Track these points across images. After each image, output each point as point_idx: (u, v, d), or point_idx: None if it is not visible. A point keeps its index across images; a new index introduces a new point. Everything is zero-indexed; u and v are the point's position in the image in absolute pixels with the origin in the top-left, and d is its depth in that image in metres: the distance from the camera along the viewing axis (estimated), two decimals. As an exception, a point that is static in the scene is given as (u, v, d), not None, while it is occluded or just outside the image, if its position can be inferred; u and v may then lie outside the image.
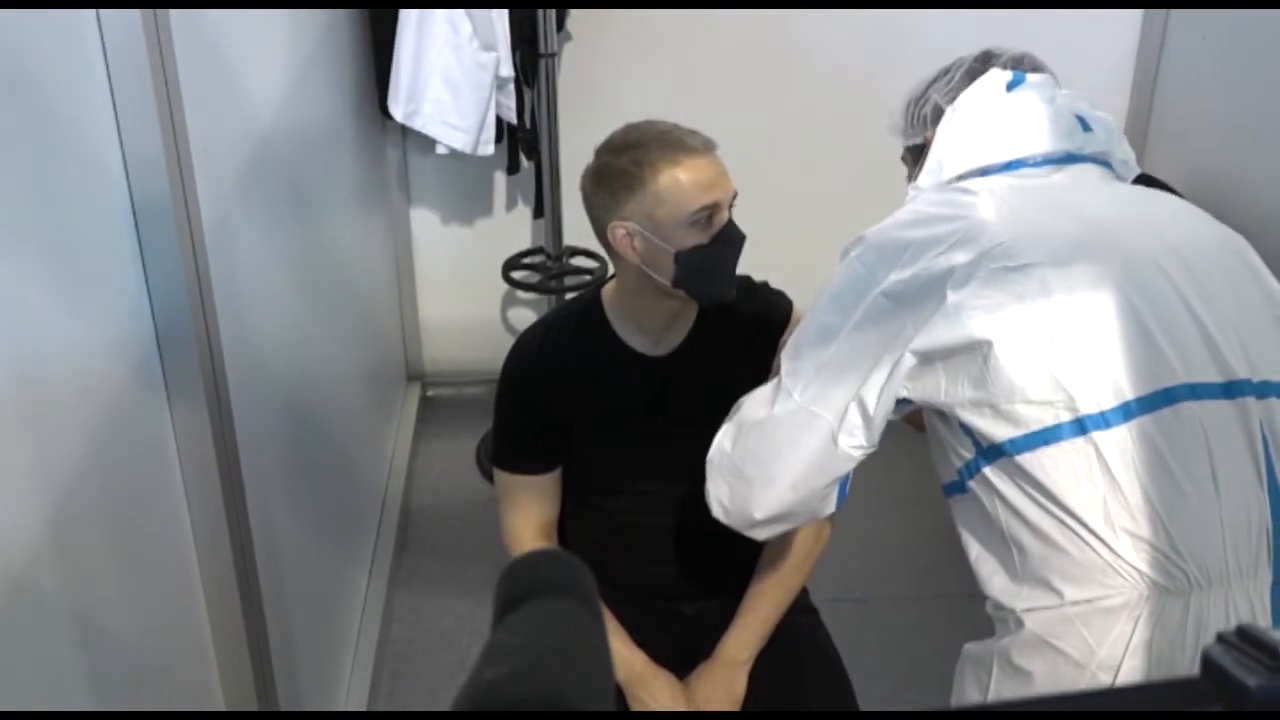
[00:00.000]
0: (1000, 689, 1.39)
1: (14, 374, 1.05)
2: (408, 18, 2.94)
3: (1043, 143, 1.45)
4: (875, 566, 2.96)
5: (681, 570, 1.86)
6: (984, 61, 1.58)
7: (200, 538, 1.48)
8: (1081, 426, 1.26)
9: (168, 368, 1.38)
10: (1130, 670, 1.28)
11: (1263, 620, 1.27)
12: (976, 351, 1.28)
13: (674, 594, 1.88)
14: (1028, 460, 1.29)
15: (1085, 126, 1.47)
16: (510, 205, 3.59)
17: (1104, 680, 1.29)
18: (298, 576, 2.01)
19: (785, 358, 1.42)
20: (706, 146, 1.64)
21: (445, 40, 2.94)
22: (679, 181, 1.61)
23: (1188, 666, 1.26)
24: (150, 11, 1.24)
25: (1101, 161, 1.48)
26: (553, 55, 3.10)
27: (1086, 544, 1.28)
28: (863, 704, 1.86)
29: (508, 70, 3.05)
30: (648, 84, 3.35)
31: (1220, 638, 0.57)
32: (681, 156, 1.61)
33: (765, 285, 1.84)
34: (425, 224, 3.59)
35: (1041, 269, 1.28)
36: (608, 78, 3.37)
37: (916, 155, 1.62)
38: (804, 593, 1.94)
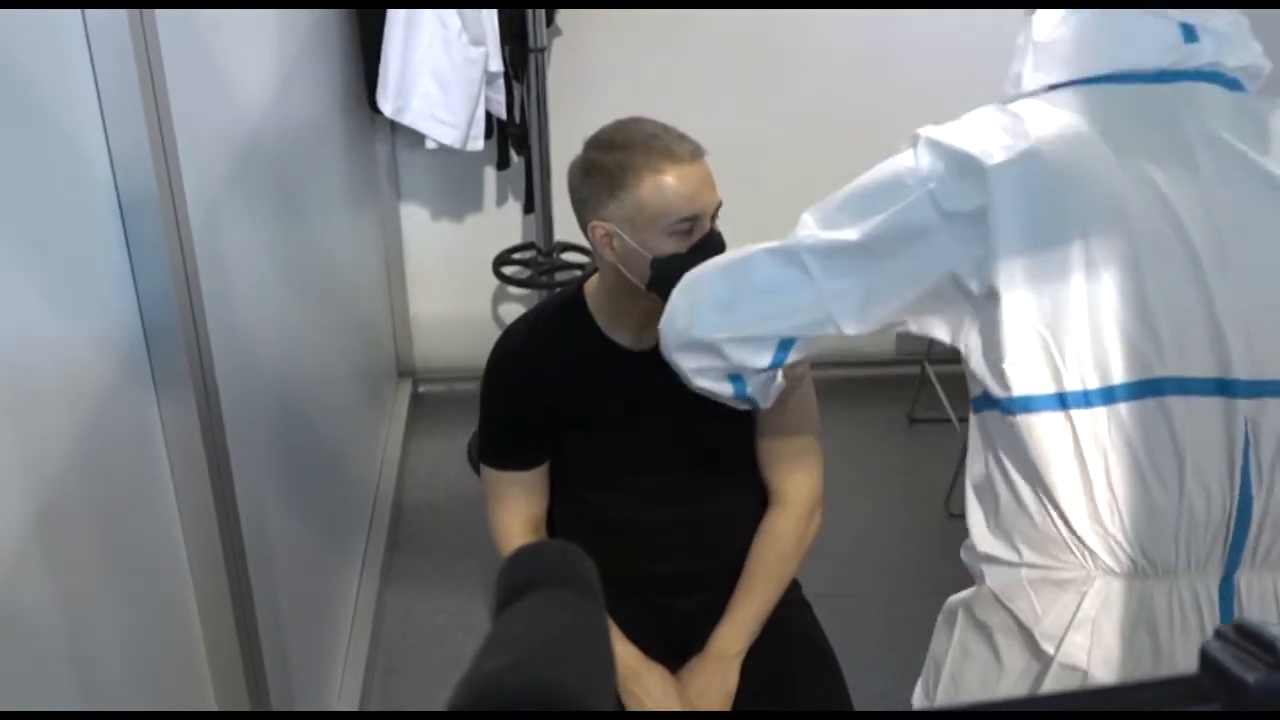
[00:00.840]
0: (964, 639, 1.44)
1: (1, 370, 1.04)
2: (396, 13, 2.93)
3: (1130, 58, 1.32)
4: (868, 561, 2.96)
5: (672, 564, 1.86)
6: None
7: (189, 534, 1.48)
8: (1063, 401, 1.25)
9: (155, 363, 1.37)
10: (1072, 644, 1.31)
11: (1208, 611, 1.29)
12: (995, 301, 1.26)
13: (665, 588, 1.87)
14: (1012, 422, 1.29)
15: (1189, 36, 1.31)
16: (500, 200, 3.59)
17: (1047, 649, 1.33)
18: (289, 573, 2.00)
19: (810, 213, 1.38)
20: (694, 155, 1.63)
21: (434, 35, 2.93)
22: (661, 190, 1.60)
23: (1131, 647, 1.30)
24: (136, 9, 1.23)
25: (1208, 75, 1.32)
26: (542, 50, 3.09)
27: (1049, 515, 1.30)
28: (856, 698, 1.86)
29: (497, 65, 3.04)
30: (637, 78, 3.34)
31: (1218, 633, 0.56)
32: (666, 164, 1.60)
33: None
34: (415, 219, 3.58)
35: (1066, 231, 1.24)
36: (597, 72, 3.37)
37: None
38: (796, 586, 1.94)
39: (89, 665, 1.22)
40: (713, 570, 1.87)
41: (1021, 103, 1.35)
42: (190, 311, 1.39)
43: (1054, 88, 1.36)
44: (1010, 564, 1.35)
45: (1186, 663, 1.28)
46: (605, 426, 1.80)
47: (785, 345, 1.40)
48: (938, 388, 3.41)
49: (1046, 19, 1.37)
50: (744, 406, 1.52)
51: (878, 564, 2.96)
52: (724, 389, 1.47)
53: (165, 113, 1.31)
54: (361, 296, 3.18)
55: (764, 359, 1.41)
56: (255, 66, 2.01)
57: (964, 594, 1.45)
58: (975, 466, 1.42)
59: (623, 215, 1.62)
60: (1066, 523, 1.28)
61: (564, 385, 1.77)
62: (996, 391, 1.30)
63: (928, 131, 1.33)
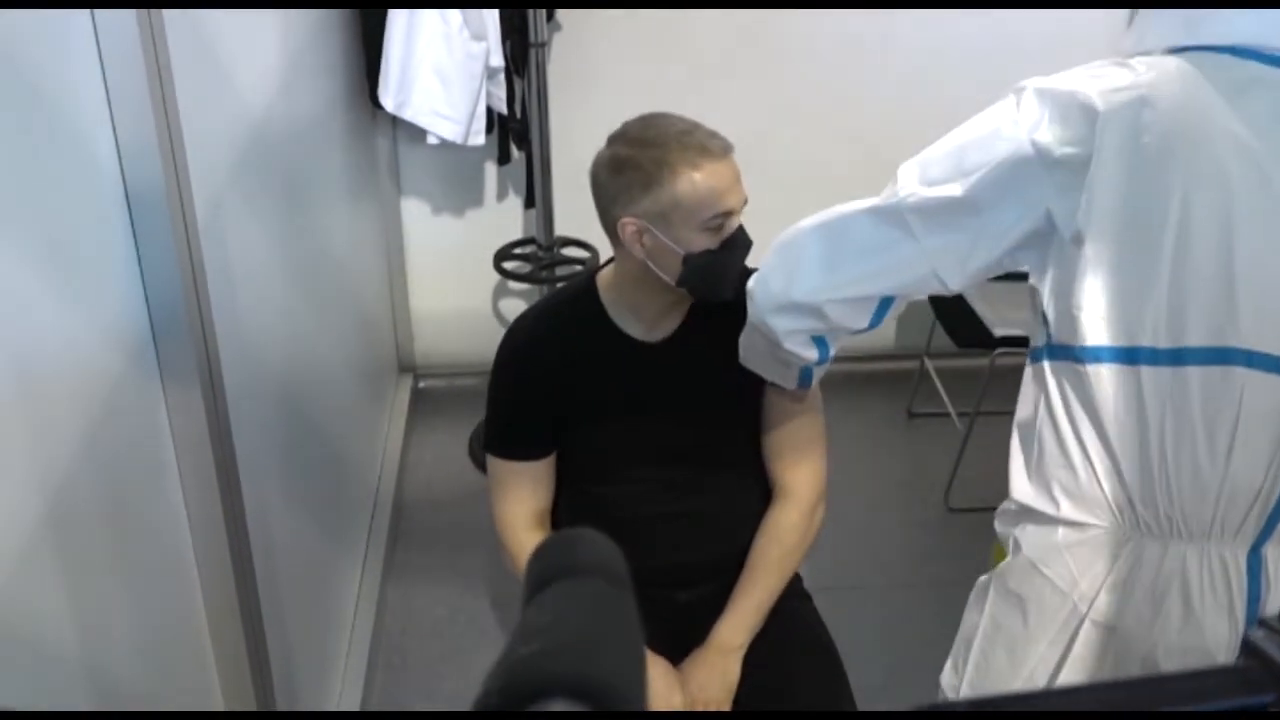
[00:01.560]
0: (995, 611, 1.45)
1: (8, 363, 1.05)
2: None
3: (1261, 34, 1.26)
4: (867, 554, 2.97)
5: (675, 556, 1.86)
6: None
7: (196, 526, 1.48)
8: (1132, 356, 1.27)
9: (162, 357, 1.38)
10: (1104, 604, 1.34)
11: (1236, 579, 1.32)
12: (1080, 247, 1.27)
13: (667, 581, 1.88)
14: (1079, 370, 1.31)
15: None
16: (501, 195, 3.59)
17: (1081, 610, 1.35)
18: (292, 566, 2.01)
19: (905, 168, 1.37)
20: (725, 150, 1.63)
21: (435, 30, 2.93)
22: (696, 186, 1.60)
23: (1162, 608, 1.33)
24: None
25: None
26: (543, 45, 3.10)
27: (1094, 470, 1.32)
28: (857, 691, 1.86)
29: (498, 60, 3.04)
30: (638, 73, 3.35)
31: (1263, 622, 0.56)
32: (702, 161, 1.60)
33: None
34: (416, 214, 3.58)
35: (1166, 190, 1.23)
36: (598, 67, 3.37)
37: None
38: (797, 579, 1.95)
39: (97, 653, 1.22)
40: (715, 563, 1.88)
41: (1139, 58, 1.32)
42: (197, 305, 1.39)
43: (1173, 51, 1.31)
44: (1046, 518, 1.37)
45: (1214, 626, 1.30)
46: (613, 417, 1.81)
47: (885, 305, 1.42)
48: (937, 382, 3.42)
49: None
50: (791, 386, 1.54)
51: (877, 558, 2.97)
52: (809, 353, 1.49)
53: (172, 107, 1.31)
54: (363, 291, 3.19)
55: (864, 319, 1.43)
56: (259, 62, 2.01)
57: (996, 569, 1.47)
58: (1024, 411, 1.43)
59: (656, 211, 1.62)
60: (1118, 473, 1.30)
61: (573, 375, 1.78)
62: (1067, 338, 1.31)
63: (1035, 82, 1.32)
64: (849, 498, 2.99)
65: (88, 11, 1.20)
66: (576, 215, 3.20)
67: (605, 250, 1.76)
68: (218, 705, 1.58)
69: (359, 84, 3.10)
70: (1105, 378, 1.29)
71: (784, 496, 1.87)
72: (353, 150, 3.02)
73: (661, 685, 1.76)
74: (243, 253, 1.76)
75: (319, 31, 2.62)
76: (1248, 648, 0.56)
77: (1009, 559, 1.43)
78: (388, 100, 3.00)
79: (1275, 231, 1.24)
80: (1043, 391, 1.37)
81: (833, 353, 1.52)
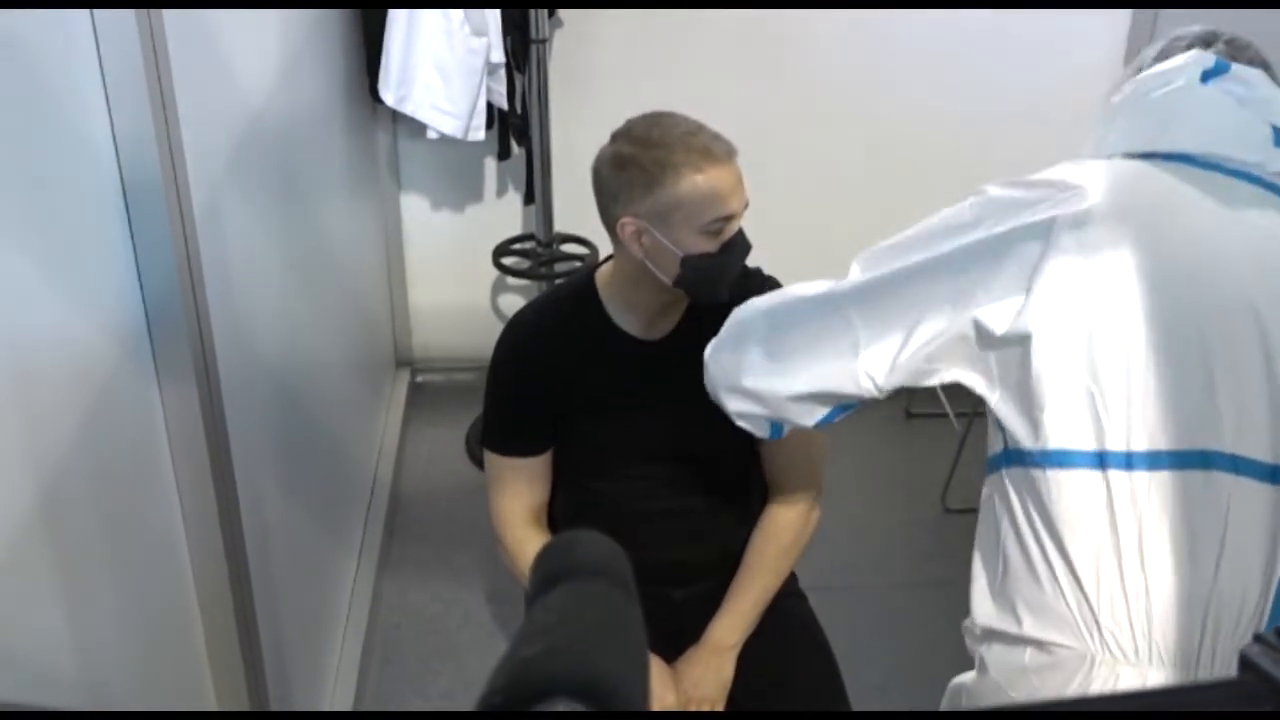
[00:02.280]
0: None
1: (3, 354, 1.05)
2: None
3: (1216, 145, 1.29)
4: (864, 554, 2.97)
5: (670, 554, 1.86)
6: (1207, 42, 1.40)
7: (189, 520, 1.48)
8: (1101, 460, 1.20)
9: (158, 349, 1.37)
10: None
11: None
12: (1026, 347, 1.22)
13: (663, 579, 1.88)
14: (1039, 477, 1.23)
15: (1278, 141, 1.29)
16: (501, 191, 3.59)
17: None
18: (287, 561, 2.01)
19: (858, 260, 1.35)
20: (729, 154, 1.63)
21: (436, 25, 2.93)
22: (698, 189, 1.59)
23: None
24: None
25: None
26: (544, 41, 3.09)
27: (1060, 587, 1.23)
28: (852, 691, 1.86)
29: (499, 55, 3.04)
30: (638, 69, 3.35)
31: (1259, 638, 0.56)
32: (705, 164, 1.60)
33: (758, 272, 1.83)
34: (415, 209, 3.58)
35: (1122, 281, 1.19)
36: (599, 63, 3.37)
37: None
38: (793, 578, 1.95)
39: (89, 648, 1.22)
40: (711, 561, 1.88)
41: (1101, 161, 1.32)
42: (193, 297, 1.39)
43: (1133, 156, 1.32)
44: (1011, 638, 1.28)
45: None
46: (610, 413, 1.80)
47: (835, 411, 1.39)
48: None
49: (1141, 85, 1.34)
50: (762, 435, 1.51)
51: (874, 558, 2.97)
52: (763, 433, 1.47)
53: (170, 99, 1.31)
54: (361, 285, 3.18)
55: (813, 419, 1.40)
56: (258, 55, 2.01)
57: (966, 678, 1.39)
58: (984, 529, 1.35)
59: (656, 212, 1.62)
60: (1084, 598, 1.21)
61: (570, 371, 1.78)
62: (1027, 443, 1.24)
63: (995, 184, 1.31)
64: (846, 497, 2.99)
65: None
66: (576, 211, 3.20)
67: (604, 247, 1.76)
68: (209, 698, 1.58)
69: (359, 78, 3.09)
70: (1070, 484, 1.21)
71: (780, 495, 1.87)
72: (352, 144, 3.02)
73: (656, 683, 1.76)
74: (240, 246, 1.75)
75: (319, 25, 2.62)
76: (1244, 663, 0.55)
77: (978, 675, 1.35)
78: (388, 95, 3.00)
79: (1249, 333, 1.19)
80: (1005, 505, 1.29)
81: (786, 431, 1.46)
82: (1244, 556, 1.18)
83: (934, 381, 1.32)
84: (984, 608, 1.32)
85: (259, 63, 2.01)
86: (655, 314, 1.76)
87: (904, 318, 1.29)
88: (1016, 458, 1.27)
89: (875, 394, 1.34)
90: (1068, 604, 1.22)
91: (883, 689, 2.29)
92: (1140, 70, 1.40)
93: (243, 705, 1.62)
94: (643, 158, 1.61)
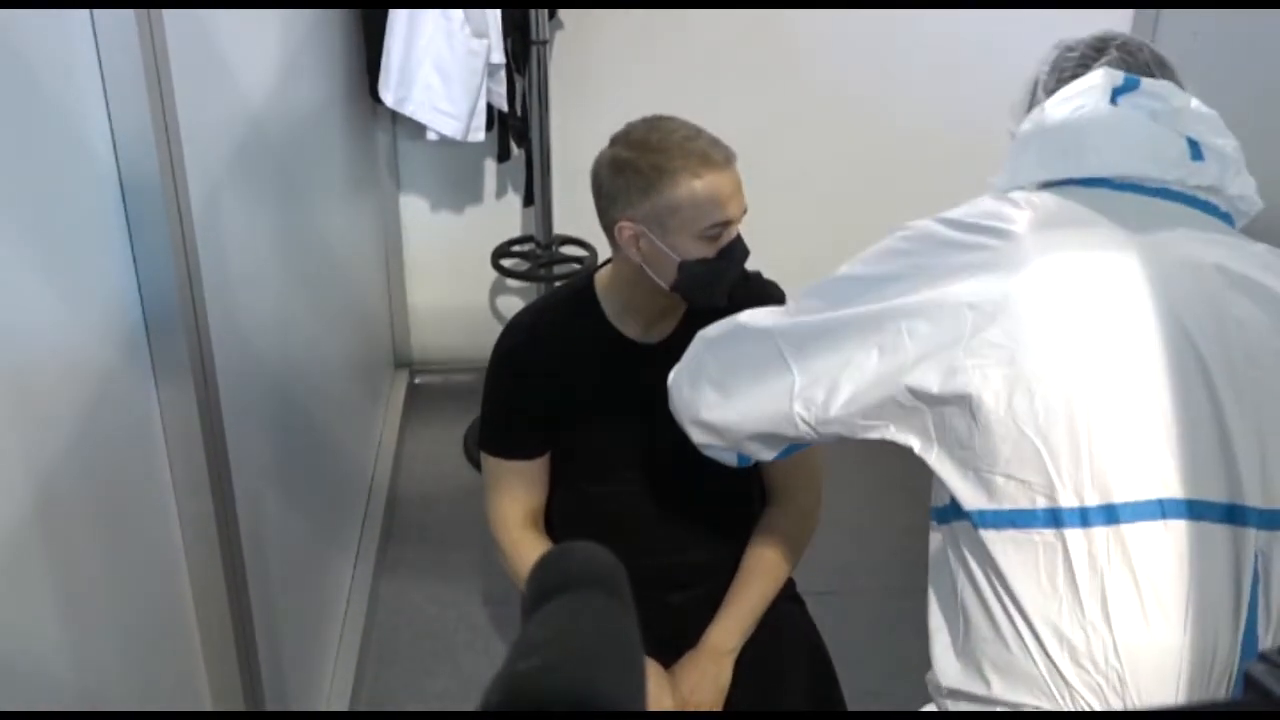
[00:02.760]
0: None
1: (0, 354, 1.04)
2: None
3: (1133, 166, 1.26)
4: (862, 560, 2.97)
5: (668, 558, 1.86)
6: (1098, 49, 1.37)
7: (186, 521, 1.48)
8: (1056, 519, 1.15)
9: (155, 349, 1.37)
10: None
11: None
12: (966, 406, 1.18)
13: (661, 583, 1.87)
14: (991, 538, 1.19)
15: (1195, 154, 1.26)
16: (500, 193, 3.58)
17: None
18: (283, 561, 2.00)
19: (802, 292, 1.33)
20: (727, 160, 1.62)
21: (436, 26, 2.93)
22: (696, 195, 1.59)
23: None
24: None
25: (1203, 203, 1.27)
26: (544, 43, 3.09)
27: (1026, 647, 1.18)
28: (849, 695, 1.86)
29: (499, 57, 3.04)
30: (639, 72, 3.35)
31: (1263, 656, 0.55)
32: (703, 169, 1.59)
33: (757, 275, 1.84)
34: (415, 210, 3.58)
35: (1062, 331, 1.15)
36: (599, 65, 3.37)
37: None
38: (790, 582, 1.94)
39: (84, 649, 1.22)
40: (709, 565, 1.87)
41: (1021, 196, 1.27)
42: (190, 297, 1.39)
43: (1049, 185, 1.29)
44: (981, 699, 1.23)
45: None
46: (608, 416, 1.80)
47: (797, 445, 1.35)
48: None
49: (1051, 111, 1.31)
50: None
51: (872, 563, 2.97)
52: (730, 460, 1.45)
53: (169, 98, 1.31)
54: (360, 286, 3.18)
55: (770, 454, 1.38)
56: (258, 54, 2.01)
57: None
58: (939, 582, 1.31)
59: (653, 217, 1.61)
60: (1049, 658, 1.17)
61: (569, 374, 1.77)
62: (974, 504, 1.20)
63: (923, 223, 1.27)
64: (844, 502, 2.98)
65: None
66: (575, 214, 3.20)
67: (604, 249, 1.76)
68: (205, 698, 1.58)
69: (359, 78, 3.09)
70: (1025, 546, 1.17)
71: (779, 500, 1.87)
72: (352, 145, 3.01)
73: (653, 687, 1.76)
74: (239, 246, 1.75)
75: (320, 25, 2.61)
76: (1248, 682, 0.54)
77: None
78: (388, 95, 3.00)
79: (1191, 371, 1.16)
80: (959, 560, 1.25)
81: (752, 462, 1.44)
82: (1210, 603, 1.14)
83: (871, 436, 1.28)
84: (948, 668, 1.27)
85: (259, 63, 2.00)
86: (654, 317, 1.76)
87: (834, 370, 1.24)
88: (961, 514, 1.23)
89: (816, 439, 1.30)
90: (1035, 665, 1.18)
91: (878, 694, 2.28)
92: (1037, 92, 1.38)
93: (238, 706, 1.61)
94: (640, 162, 1.61)
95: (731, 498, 1.88)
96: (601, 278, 1.80)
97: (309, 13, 2.48)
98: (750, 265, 1.83)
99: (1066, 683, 1.16)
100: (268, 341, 1.99)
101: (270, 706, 1.76)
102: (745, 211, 1.65)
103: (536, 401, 1.78)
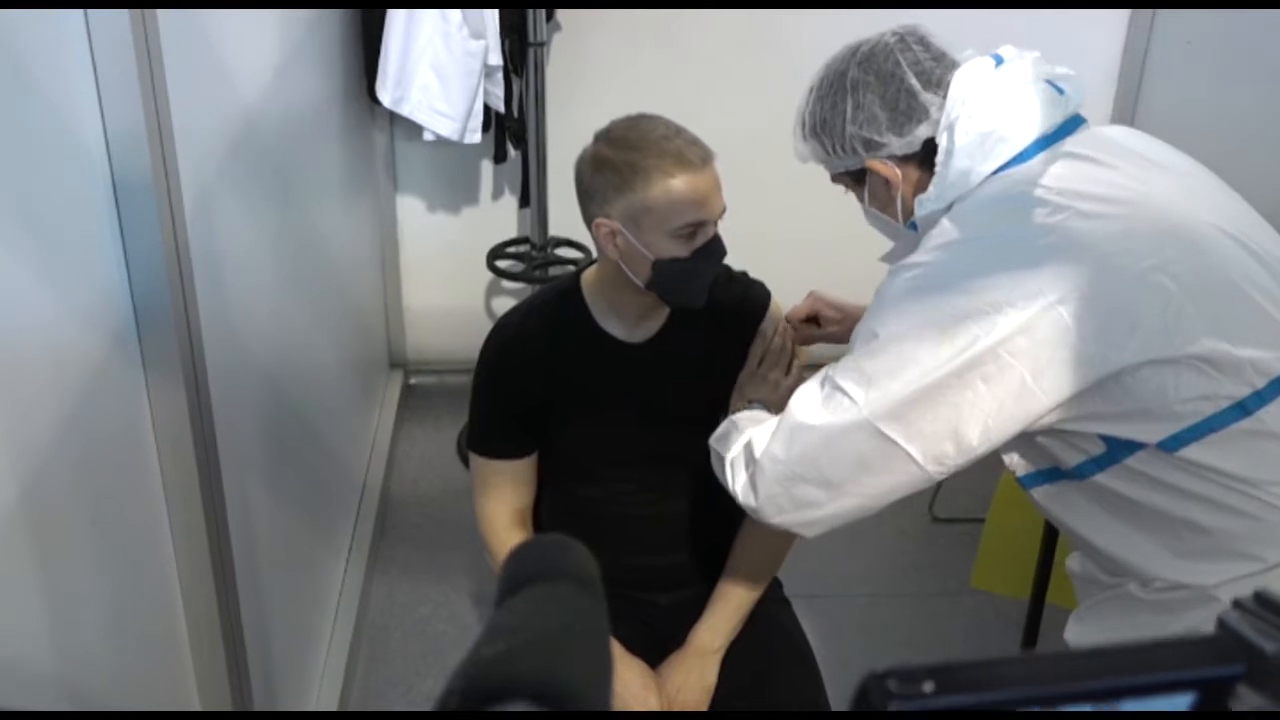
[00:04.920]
0: None
1: (-11, 348, 1.05)
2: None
3: (1043, 120, 1.41)
4: (850, 563, 2.96)
5: (655, 559, 1.86)
6: (902, 37, 1.58)
7: (175, 517, 1.48)
8: (1244, 408, 1.27)
9: (145, 345, 1.37)
10: None
11: None
12: (1121, 374, 1.27)
13: (647, 583, 1.88)
14: (1192, 451, 1.29)
15: (1058, 89, 1.44)
16: (496, 194, 3.59)
17: None
18: (274, 560, 2.01)
19: (853, 381, 1.34)
20: (704, 160, 1.62)
21: (434, 27, 2.93)
22: (669, 194, 1.59)
23: None
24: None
25: (1076, 121, 1.44)
26: (541, 44, 3.10)
27: (1264, 501, 1.30)
28: (834, 699, 1.86)
29: (496, 58, 3.05)
30: (636, 74, 3.35)
31: (1237, 603, 0.56)
32: (677, 169, 1.59)
33: (744, 275, 1.84)
34: (411, 211, 3.58)
35: (1153, 274, 1.26)
36: (596, 67, 3.37)
37: (860, 178, 1.59)
38: (777, 584, 1.94)
39: (69, 645, 1.22)
40: (696, 565, 1.88)
41: (964, 208, 1.40)
42: (182, 295, 1.39)
43: (999, 171, 1.39)
44: (1252, 574, 1.32)
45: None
46: (595, 417, 1.80)
47: None
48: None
49: (960, 123, 1.42)
50: None
51: (860, 566, 2.97)
52: None
53: (162, 95, 1.31)
54: (355, 286, 3.18)
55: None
56: (254, 53, 2.01)
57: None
58: (1098, 525, 1.40)
59: (628, 215, 1.62)
60: None
61: (555, 373, 1.78)
62: (1159, 435, 1.28)
63: (924, 260, 1.37)
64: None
65: (79, -2, 1.20)
66: (571, 215, 3.15)
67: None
68: (192, 698, 1.58)
69: (356, 78, 3.09)
70: (1232, 439, 1.28)
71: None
72: (348, 144, 3.02)
73: (638, 686, 1.76)
74: (232, 245, 1.75)
75: (317, 25, 2.62)
76: (1221, 626, 0.56)
77: (1202, 609, 1.36)
78: (385, 95, 3.00)
79: (1231, 246, 1.32)
80: (1150, 486, 1.33)
81: None
82: None
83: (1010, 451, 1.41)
84: (1198, 573, 1.35)
85: (255, 62, 2.01)
86: (639, 316, 1.77)
87: (948, 427, 1.30)
88: (1140, 447, 1.31)
89: (942, 475, 1.36)
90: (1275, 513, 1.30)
91: (867, 697, 2.29)
92: (912, 111, 1.52)
93: (226, 705, 1.61)
94: (616, 159, 1.61)
95: (718, 498, 1.87)
96: (588, 277, 1.80)
97: (307, 12, 2.48)
98: (746, 266, 1.84)
99: None
100: (261, 340, 1.99)
101: (258, 705, 1.76)
102: (724, 211, 1.65)
103: (522, 400, 1.79)
